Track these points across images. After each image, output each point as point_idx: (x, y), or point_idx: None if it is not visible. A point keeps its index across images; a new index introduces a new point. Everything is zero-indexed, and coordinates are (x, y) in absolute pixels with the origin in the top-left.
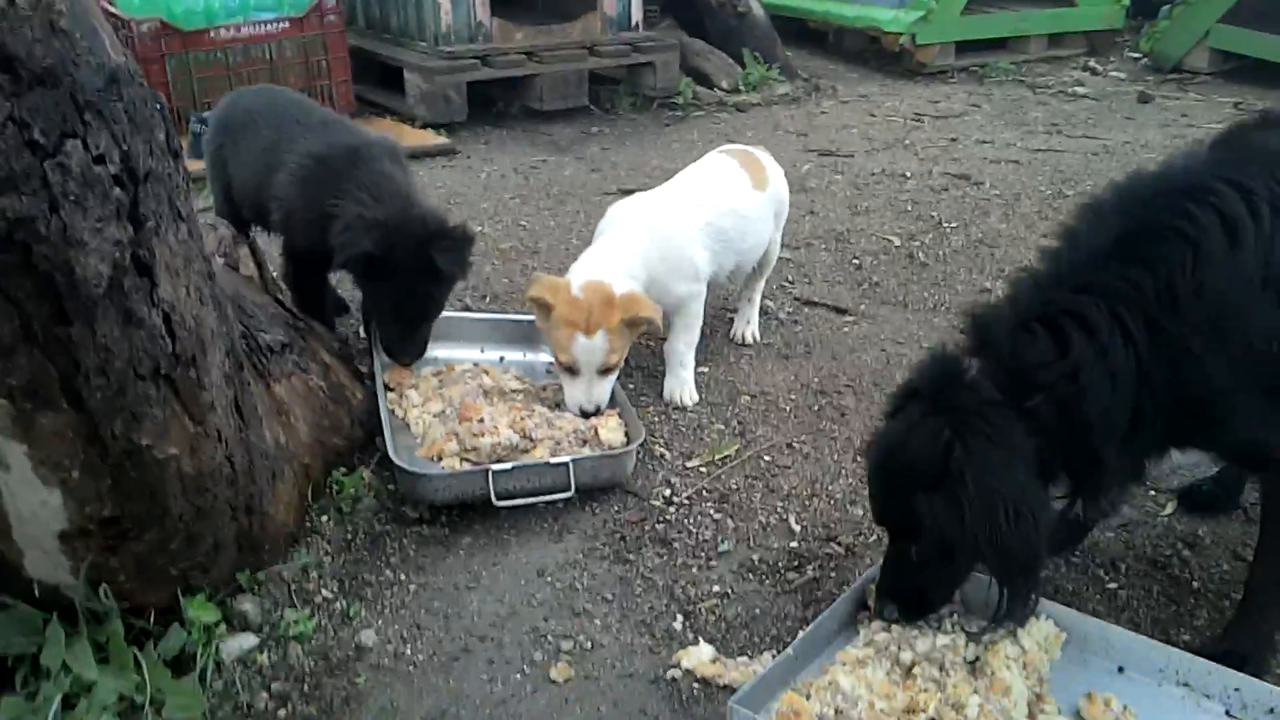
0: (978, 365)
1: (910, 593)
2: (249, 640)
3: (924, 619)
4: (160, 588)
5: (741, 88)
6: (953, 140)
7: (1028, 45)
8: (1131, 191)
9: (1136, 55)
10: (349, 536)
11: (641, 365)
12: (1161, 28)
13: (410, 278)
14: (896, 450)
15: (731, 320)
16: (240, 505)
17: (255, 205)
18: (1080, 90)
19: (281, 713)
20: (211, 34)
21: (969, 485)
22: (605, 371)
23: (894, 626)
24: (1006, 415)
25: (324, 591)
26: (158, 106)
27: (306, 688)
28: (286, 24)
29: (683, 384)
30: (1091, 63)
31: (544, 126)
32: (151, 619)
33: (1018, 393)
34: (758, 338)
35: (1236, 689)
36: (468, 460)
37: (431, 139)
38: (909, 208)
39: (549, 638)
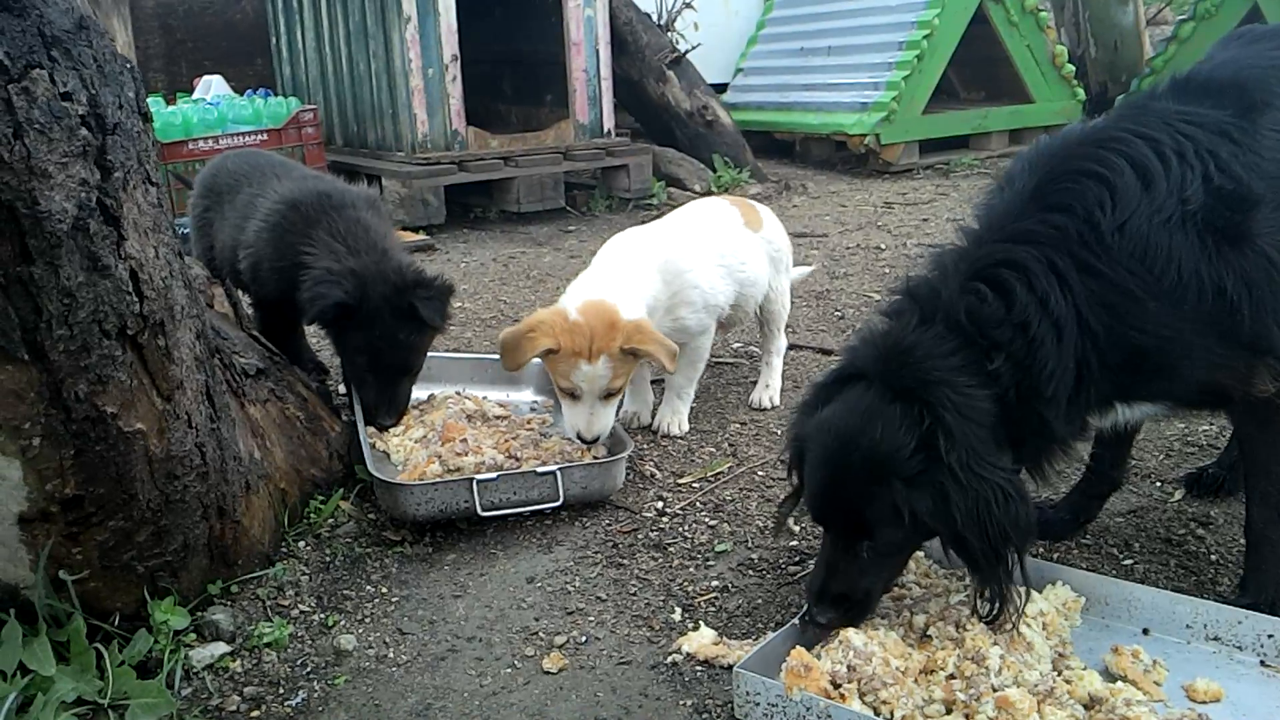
0: (927, 337)
1: (854, 593)
2: (220, 648)
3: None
4: (126, 588)
5: (714, 189)
6: (924, 220)
7: (989, 141)
8: (1039, 151)
9: None
10: (327, 559)
11: None
12: None
13: (388, 326)
14: (855, 440)
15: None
16: (212, 504)
17: (234, 264)
18: None
19: (255, 714)
20: (190, 145)
21: (958, 473)
22: (608, 397)
23: (905, 590)
24: (972, 387)
25: (301, 605)
26: (128, 65)
27: (282, 690)
28: (265, 135)
29: (676, 413)
30: None
31: (521, 227)
32: (116, 622)
33: (977, 358)
34: (776, 402)
35: (1270, 635)
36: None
37: (411, 237)
38: (886, 271)
39: (541, 635)
